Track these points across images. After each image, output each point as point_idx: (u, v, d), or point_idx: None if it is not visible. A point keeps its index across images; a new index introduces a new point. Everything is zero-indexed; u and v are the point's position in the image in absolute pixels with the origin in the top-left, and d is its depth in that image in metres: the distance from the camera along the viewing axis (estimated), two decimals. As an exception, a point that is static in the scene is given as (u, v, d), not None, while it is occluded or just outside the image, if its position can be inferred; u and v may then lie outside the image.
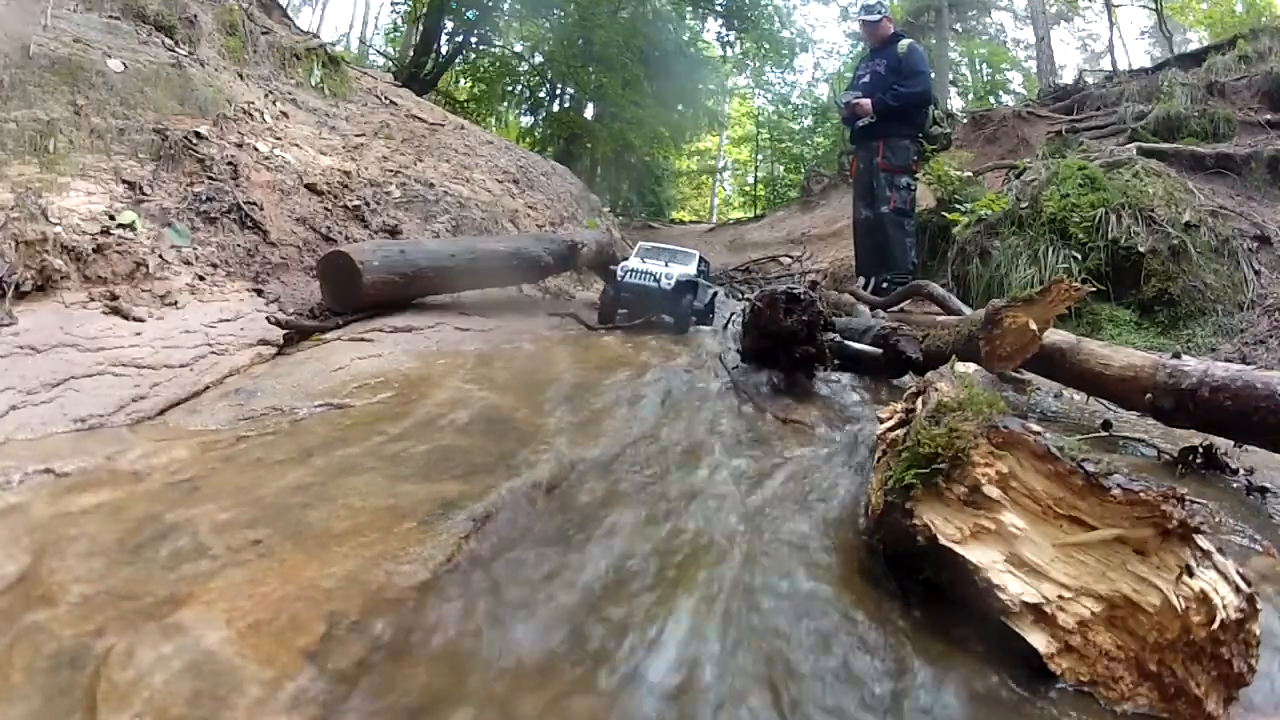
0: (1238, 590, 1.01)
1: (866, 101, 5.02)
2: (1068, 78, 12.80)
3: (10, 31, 2.92)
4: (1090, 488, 1.14)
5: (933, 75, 5.75)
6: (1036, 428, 1.24)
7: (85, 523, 1.32)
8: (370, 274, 2.85)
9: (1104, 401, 2.36)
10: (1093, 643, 1.09)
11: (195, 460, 1.66)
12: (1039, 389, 2.65)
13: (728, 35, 18.09)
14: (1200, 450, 1.84)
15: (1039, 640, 1.10)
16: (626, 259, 3.86)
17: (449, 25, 15.07)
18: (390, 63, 15.27)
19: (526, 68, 16.35)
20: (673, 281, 3.48)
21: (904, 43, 5.14)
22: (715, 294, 4.23)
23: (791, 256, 8.19)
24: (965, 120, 10.60)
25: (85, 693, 0.93)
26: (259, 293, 2.91)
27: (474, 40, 15.64)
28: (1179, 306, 4.26)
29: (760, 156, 23.18)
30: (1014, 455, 1.23)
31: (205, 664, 0.97)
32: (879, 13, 5.26)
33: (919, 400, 1.67)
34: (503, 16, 15.38)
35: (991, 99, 16.98)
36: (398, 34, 17.46)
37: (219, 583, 1.15)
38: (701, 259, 3.99)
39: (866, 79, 5.19)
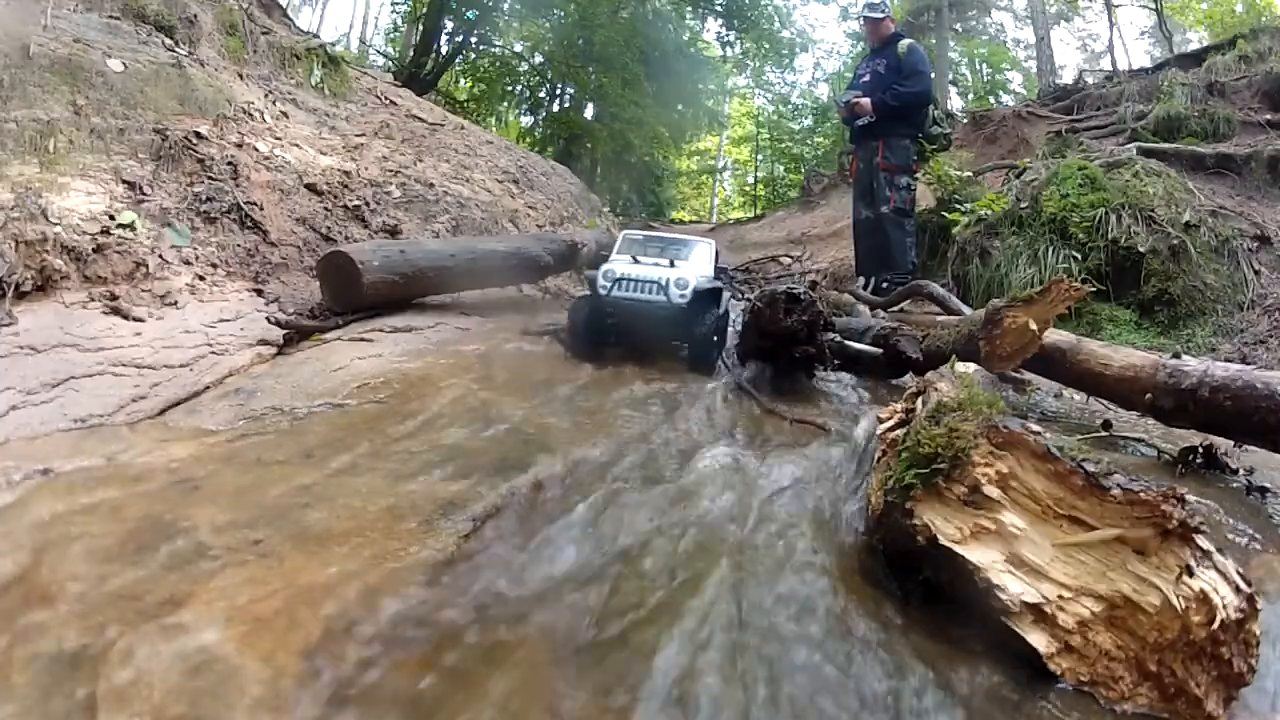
0: (1238, 590, 1.01)
1: (866, 100, 5.01)
2: (1068, 78, 12.80)
3: (10, 31, 2.92)
4: (1090, 488, 1.14)
5: (933, 75, 5.75)
6: (1036, 428, 1.24)
7: (85, 523, 1.32)
8: (370, 274, 2.85)
9: (1104, 401, 2.35)
10: (1093, 643, 1.09)
11: (195, 460, 1.66)
12: (1039, 389, 2.65)
13: (728, 35, 18.14)
14: (1200, 450, 1.84)
15: (1039, 640, 1.10)
16: (608, 255, 2.89)
17: (449, 25, 15.07)
18: (390, 63, 15.27)
19: (526, 68, 16.35)
20: (687, 291, 2.45)
21: (904, 42, 5.13)
22: (732, 297, 3.10)
23: (791, 256, 8.17)
24: (965, 120, 10.60)
25: (85, 693, 0.93)
26: (259, 293, 2.91)
27: (474, 40, 15.64)
28: (1179, 306, 4.25)
29: (760, 156, 23.16)
30: (1014, 455, 1.23)
31: (205, 664, 0.97)
32: (882, 11, 5.25)
33: (919, 400, 1.67)
34: (503, 16, 15.38)
35: (991, 99, 16.97)
36: (398, 34, 17.46)
37: (219, 582, 1.15)
38: (717, 252, 2.98)
39: (867, 78, 5.19)
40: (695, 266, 2.67)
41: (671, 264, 2.62)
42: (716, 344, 2.60)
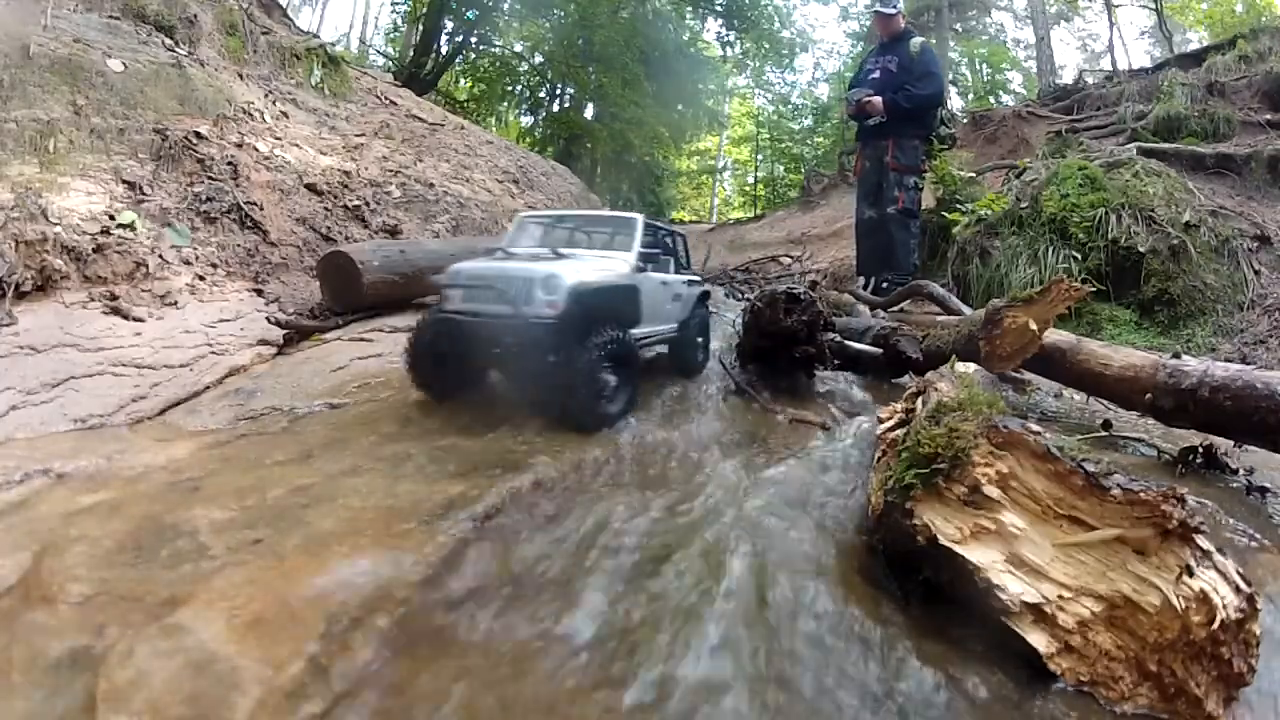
0: (1238, 590, 1.01)
1: (878, 100, 4.94)
2: (1068, 78, 12.81)
3: (10, 31, 2.92)
4: (1090, 488, 1.14)
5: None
6: (1036, 428, 1.24)
7: (85, 523, 1.32)
8: (370, 274, 2.85)
9: (1104, 401, 2.35)
10: (1093, 643, 1.09)
11: (195, 460, 1.66)
12: (1039, 389, 2.65)
13: (728, 35, 18.17)
14: (1200, 450, 1.84)
15: (1039, 640, 1.10)
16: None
17: (449, 25, 15.10)
18: (390, 63, 15.28)
19: (526, 68, 16.37)
20: (557, 297, 1.61)
21: (916, 41, 5.08)
22: (705, 297, 2.45)
23: (791, 256, 8.16)
24: (965, 120, 10.60)
25: (85, 693, 0.93)
26: (259, 293, 2.91)
27: (474, 40, 15.66)
28: (1179, 306, 4.25)
29: (760, 156, 23.16)
30: (1014, 455, 1.23)
31: (205, 663, 0.97)
32: (895, 7, 5.21)
33: (919, 400, 1.67)
34: (503, 16, 15.40)
35: (991, 99, 16.96)
36: (398, 34, 17.46)
37: (219, 582, 1.15)
38: (671, 235, 2.23)
39: (876, 74, 5.12)
40: (598, 257, 1.82)
41: (556, 255, 1.80)
42: (617, 386, 1.71)
